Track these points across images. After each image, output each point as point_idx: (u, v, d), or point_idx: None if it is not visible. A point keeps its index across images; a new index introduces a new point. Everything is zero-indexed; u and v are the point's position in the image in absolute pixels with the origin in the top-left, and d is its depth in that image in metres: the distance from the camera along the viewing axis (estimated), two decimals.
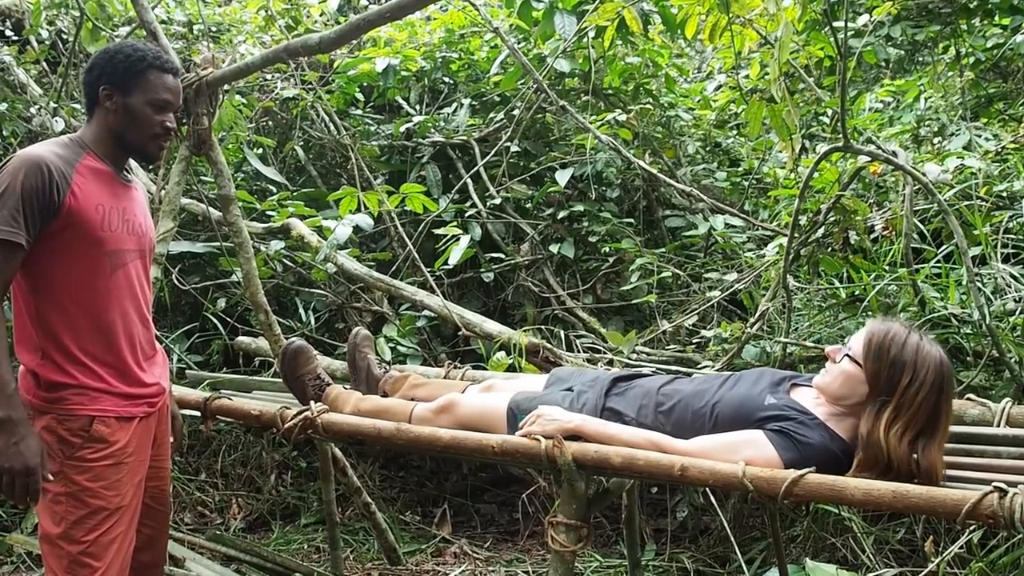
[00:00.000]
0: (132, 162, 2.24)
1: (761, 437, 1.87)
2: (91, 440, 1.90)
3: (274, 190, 4.58)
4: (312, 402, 2.42)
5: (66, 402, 1.89)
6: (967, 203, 3.03)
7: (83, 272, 1.91)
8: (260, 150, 4.79)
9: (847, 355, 1.92)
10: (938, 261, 3.02)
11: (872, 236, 3.24)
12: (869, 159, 2.94)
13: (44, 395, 1.88)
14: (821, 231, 3.14)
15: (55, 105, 4.36)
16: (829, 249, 3.24)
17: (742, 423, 1.94)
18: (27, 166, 1.81)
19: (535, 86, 4.17)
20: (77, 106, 4.57)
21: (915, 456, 1.78)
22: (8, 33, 4.91)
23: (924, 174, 2.88)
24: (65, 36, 4.95)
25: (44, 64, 4.86)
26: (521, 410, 2.17)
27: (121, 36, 4.14)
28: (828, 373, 1.96)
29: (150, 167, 3.98)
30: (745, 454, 1.83)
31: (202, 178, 4.35)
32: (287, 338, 3.51)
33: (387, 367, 2.68)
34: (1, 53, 4.57)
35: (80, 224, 1.88)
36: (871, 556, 2.91)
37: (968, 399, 2.13)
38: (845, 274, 3.24)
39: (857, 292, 3.17)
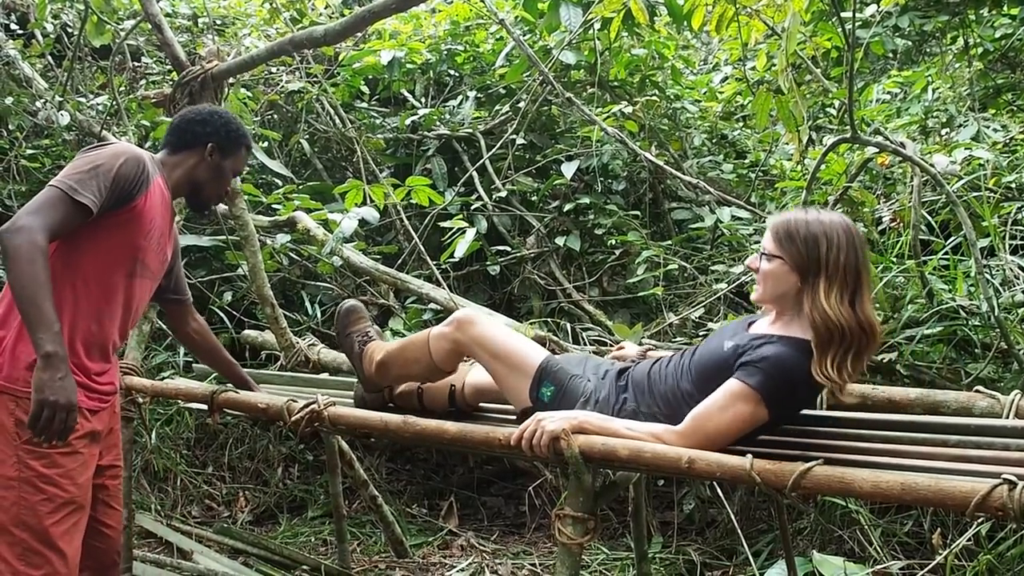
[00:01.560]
0: None
1: (732, 383, 1.88)
2: None
3: (280, 183, 4.58)
4: (359, 356, 2.49)
5: (29, 384, 1.88)
6: (975, 194, 3.01)
7: (108, 263, 2.02)
8: (265, 143, 4.78)
9: (763, 255, 1.97)
10: (946, 253, 3.00)
11: (880, 228, 3.22)
12: (877, 150, 2.92)
13: (8, 373, 1.91)
14: None
15: (60, 99, 4.36)
16: None
17: (717, 378, 1.94)
18: (129, 155, 2.00)
19: (541, 78, 4.15)
20: (82, 100, 4.58)
21: (858, 315, 1.84)
22: (13, 27, 4.91)
23: (932, 165, 2.87)
24: (70, 30, 4.95)
25: (49, 58, 4.86)
26: (547, 375, 2.14)
27: (126, 30, 4.14)
28: (758, 284, 2.00)
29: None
30: (730, 409, 1.84)
31: None
32: (293, 332, 3.52)
33: None
34: (6, 47, 4.57)
35: (133, 225, 2.02)
36: (878, 549, 2.91)
37: (977, 391, 2.12)
38: None
39: None
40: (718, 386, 1.92)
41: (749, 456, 1.76)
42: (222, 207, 3.75)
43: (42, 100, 4.43)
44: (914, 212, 2.90)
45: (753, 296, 2.02)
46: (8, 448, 1.87)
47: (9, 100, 4.35)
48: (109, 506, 2.19)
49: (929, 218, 3.11)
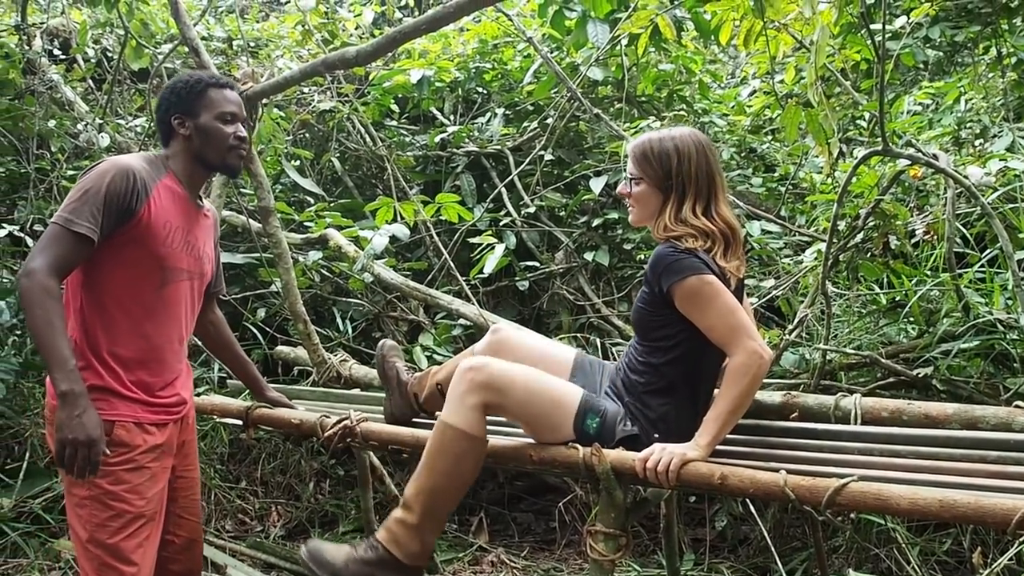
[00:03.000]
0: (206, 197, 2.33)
1: (680, 301, 1.99)
2: (112, 444, 1.95)
3: (312, 201, 4.64)
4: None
5: None
6: (1011, 206, 2.96)
7: (134, 279, 2.01)
8: (297, 162, 4.86)
9: (631, 180, 2.15)
10: (982, 265, 2.96)
11: (913, 241, 3.18)
12: (909, 162, 2.89)
13: None
14: (860, 236, 3.10)
15: (101, 121, 4.47)
16: (869, 254, 3.20)
17: (646, 316, 2.09)
18: (116, 171, 1.95)
19: (568, 95, 4.18)
20: (121, 122, 4.69)
21: (714, 221, 2.05)
22: (56, 52, 5.05)
23: (966, 177, 2.83)
24: (110, 54, 5.09)
25: (90, 81, 4.99)
26: (590, 408, 2.09)
27: (163, 53, 4.24)
28: (632, 207, 2.19)
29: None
30: (710, 303, 1.97)
31: (242, 190, 4.43)
32: (325, 348, 3.56)
33: (413, 371, 2.67)
34: (49, 72, 4.71)
35: (146, 235, 1.99)
36: (916, 568, 2.86)
37: (1017, 407, 2.08)
38: (885, 279, 3.19)
39: (898, 298, 3.12)
40: (652, 324, 2.08)
41: (783, 472, 1.75)
42: (256, 225, 3.82)
43: (83, 122, 4.54)
44: (948, 225, 2.87)
45: (630, 219, 2.21)
46: None
47: (52, 123, 4.47)
48: (180, 517, 2.20)
49: (964, 230, 3.07)
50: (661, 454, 1.89)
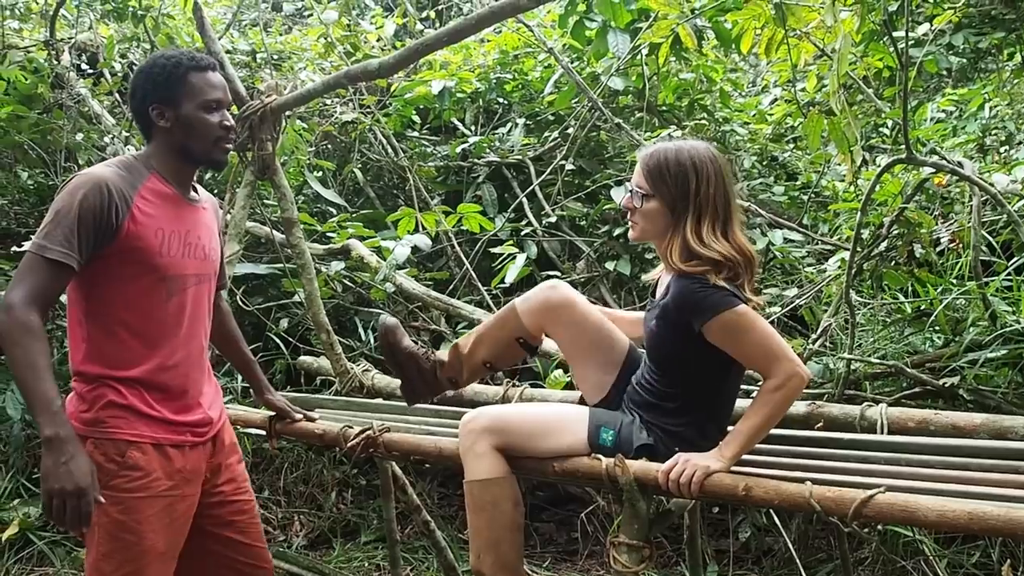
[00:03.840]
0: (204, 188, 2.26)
1: (719, 334, 1.91)
2: (125, 468, 1.81)
3: (334, 212, 4.68)
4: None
5: (104, 424, 1.82)
6: None
7: (137, 297, 1.85)
8: (320, 173, 4.90)
9: (639, 194, 2.01)
10: (1009, 274, 2.93)
11: (938, 249, 3.16)
12: (933, 170, 2.87)
13: (85, 417, 1.82)
14: (884, 244, 3.08)
15: (127, 134, 4.54)
16: (893, 263, 3.17)
17: (661, 347, 2.03)
18: (88, 186, 1.77)
19: (589, 104, 4.19)
20: None
21: (732, 244, 1.94)
22: (84, 67, 5.14)
23: (992, 184, 2.81)
24: (137, 68, 5.16)
25: (117, 95, 5.07)
26: (601, 422, 2.08)
27: None
28: (635, 223, 2.05)
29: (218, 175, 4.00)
30: (748, 330, 1.89)
31: (265, 201, 4.47)
32: (347, 357, 3.58)
33: (426, 348, 2.44)
34: (77, 86, 4.79)
35: (138, 249, 1.83)
36: None
37: None
38: (910, 288, 3.16)
39: (923, 307, 3.09)
40: (672, 357, 2.01)
41: (808, 483, 1.74)
42: (279, 235, 3.85)
43: (110, 135, 4.62)
44: (974, 233, 2.84)
45: (631, 235, 2.09)
46: None
47: (79, 136, 4.54)
48: (240, 543, 2.05)
49: (990, 238, 3.04)
50: (684, 466, 1.88)
